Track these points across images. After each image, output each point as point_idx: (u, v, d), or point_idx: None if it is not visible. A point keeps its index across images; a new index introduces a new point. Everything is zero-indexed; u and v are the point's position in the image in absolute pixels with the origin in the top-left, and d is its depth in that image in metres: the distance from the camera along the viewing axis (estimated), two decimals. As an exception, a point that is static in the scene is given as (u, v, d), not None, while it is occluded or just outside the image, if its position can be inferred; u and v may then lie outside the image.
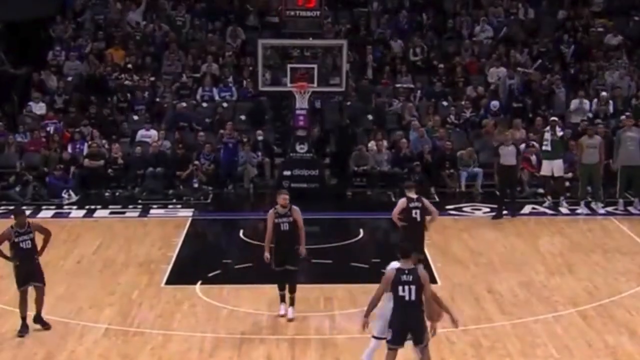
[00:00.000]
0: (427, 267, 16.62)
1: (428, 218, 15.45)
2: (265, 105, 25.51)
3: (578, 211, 21.09)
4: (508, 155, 20.55)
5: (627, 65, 26.68)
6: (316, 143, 23.82)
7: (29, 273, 14.05)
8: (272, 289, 15.43)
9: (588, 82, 26.11)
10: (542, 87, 25.87)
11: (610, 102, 25.20)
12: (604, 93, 25.45)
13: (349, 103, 25.53)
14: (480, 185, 23.22)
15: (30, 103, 25.33)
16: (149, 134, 24.41)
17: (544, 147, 21.58)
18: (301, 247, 14.43)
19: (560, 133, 21.61)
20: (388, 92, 26.15)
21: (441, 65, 26.96)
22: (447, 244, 18.65)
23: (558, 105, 25.36)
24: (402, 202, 15.39)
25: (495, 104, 25.29)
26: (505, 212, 20.77)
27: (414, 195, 15.36)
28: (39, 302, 14.15)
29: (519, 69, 26.50)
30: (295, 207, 14.53)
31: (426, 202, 15.54)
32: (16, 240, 13.91)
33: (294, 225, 14.43)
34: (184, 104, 25.28)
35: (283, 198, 14.47)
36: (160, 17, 28.42)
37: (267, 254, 14.35)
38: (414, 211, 15.26)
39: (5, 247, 14.01)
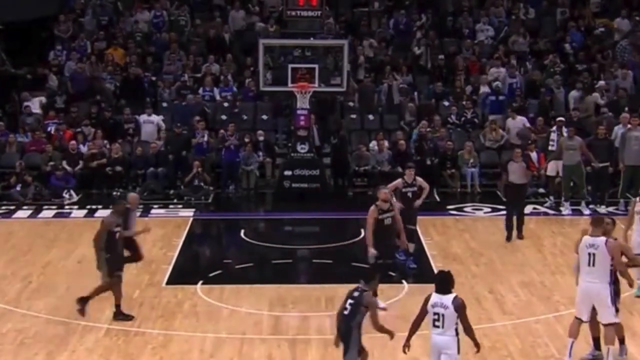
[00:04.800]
0: (418, 239, 17.58)
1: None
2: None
3: (584, 211, 21.15)
4: (517, 173, 18.84)
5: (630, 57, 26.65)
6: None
7: (119, 261, 14.24)
8: (272, 289, 15.53)
9: (592, 83, 26.07)
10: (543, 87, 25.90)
11: (604, 92, 25.25)
12: (602, 82, 25.49)
13: (351, 104, 25.47)
14: (479, 184, 23.28)
15: (28, 103, 25.28)
16: (151, 119, 24.50)
17: (550, 148, 21.51)
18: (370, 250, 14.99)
19: (566, 133, 21.54)
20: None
21: (441, 65, 26.90)
22: (448, 244, 18.66)
23: (558, 106, 25.30)
24: (397, 183, 16.95)
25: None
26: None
27: (409, 180, 16.95)
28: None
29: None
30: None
31: (420, 180, 17.10)
32: (115, 230, 14.13)
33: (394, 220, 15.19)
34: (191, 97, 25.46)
35: (384, 193, 15.05)
36: (163, 16, 28.41)
37: (373, 250, 14.74)
38: (409, 193, 16.88)
39: None
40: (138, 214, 20.97)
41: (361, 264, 17.20)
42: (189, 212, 21.46)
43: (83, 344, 13.40)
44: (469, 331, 10.70)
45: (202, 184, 22.85)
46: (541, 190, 22.60)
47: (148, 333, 13.80)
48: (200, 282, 16.12)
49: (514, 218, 18.90)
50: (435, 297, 10.65)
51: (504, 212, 19.38)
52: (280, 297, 15.36)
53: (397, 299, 15.29)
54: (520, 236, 18.92)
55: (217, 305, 14.97)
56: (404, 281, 16.12)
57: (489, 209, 21.40)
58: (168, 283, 16.33)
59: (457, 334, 10.58)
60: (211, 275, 16.62)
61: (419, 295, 15.17)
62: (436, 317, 10.56)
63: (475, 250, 18.12)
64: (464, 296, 15.10)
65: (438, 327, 10.56)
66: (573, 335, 12.54)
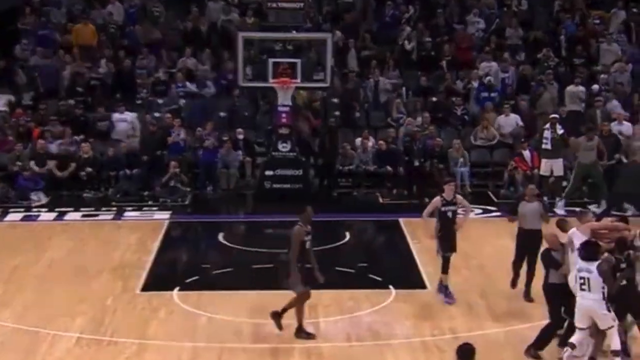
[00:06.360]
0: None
1: (460, 216, 15.43)
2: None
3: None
4: (530, 216, 15.16)
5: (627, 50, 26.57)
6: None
7: (307, 273, 13.83)
8: (253, 295, 15.31)
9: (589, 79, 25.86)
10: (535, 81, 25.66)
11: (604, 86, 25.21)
12: (603, 75, 25.38)
13: (335, 100, 24.90)
14: (470, 184, 22.85)
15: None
16: (124, 117, 24.07)
17: (543, 146, 21.44)
18: None
19: (560, 131, 21.40)
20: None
21: (431, 59, 26.55)
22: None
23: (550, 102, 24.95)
24: (436, 202, 15.31)
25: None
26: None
27: (449, 197, 15.24)
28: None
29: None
30: None
31: (460, 198, 15.58)
32: (305, 239, 13.75)
33: None
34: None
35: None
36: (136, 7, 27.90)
37: None
38: (449, 212, 15.21)
39: None
40: (110, 216, 20.69)
41: (346, 269, 16.72)
42: (164, 215, 21.19)
43: (52, 354, 13.16)
44: (610, 292, 11.85)
45: (178, 185, 22.54)
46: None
47: (121, 342, 13.55)
48: (177, 288, 15.88)
49: (524, 264, 15.43)
50: (582, 264, 12.00)
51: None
52: (261, 303, 14.93)
53: (384, 305, 15.09)
54: (527, 296, 15.10)
55: (195, 313, 14.71)
56: (390, 286, 15.81)
57: (480, 210, 21.02)
58: (143, 289, 16.07)
59: (604, 297, 11.77)
60: (188, 281, 16.37)
61: (405, 300, 15.26)
62: (582, 280, 11.90)
63: (467, 253, 17.64)
64: (456, 300, 15.12)
65: (585, 290, 11.88)
66: None
